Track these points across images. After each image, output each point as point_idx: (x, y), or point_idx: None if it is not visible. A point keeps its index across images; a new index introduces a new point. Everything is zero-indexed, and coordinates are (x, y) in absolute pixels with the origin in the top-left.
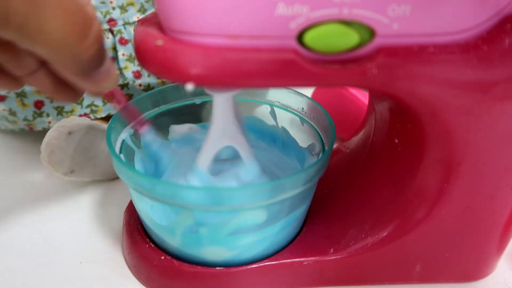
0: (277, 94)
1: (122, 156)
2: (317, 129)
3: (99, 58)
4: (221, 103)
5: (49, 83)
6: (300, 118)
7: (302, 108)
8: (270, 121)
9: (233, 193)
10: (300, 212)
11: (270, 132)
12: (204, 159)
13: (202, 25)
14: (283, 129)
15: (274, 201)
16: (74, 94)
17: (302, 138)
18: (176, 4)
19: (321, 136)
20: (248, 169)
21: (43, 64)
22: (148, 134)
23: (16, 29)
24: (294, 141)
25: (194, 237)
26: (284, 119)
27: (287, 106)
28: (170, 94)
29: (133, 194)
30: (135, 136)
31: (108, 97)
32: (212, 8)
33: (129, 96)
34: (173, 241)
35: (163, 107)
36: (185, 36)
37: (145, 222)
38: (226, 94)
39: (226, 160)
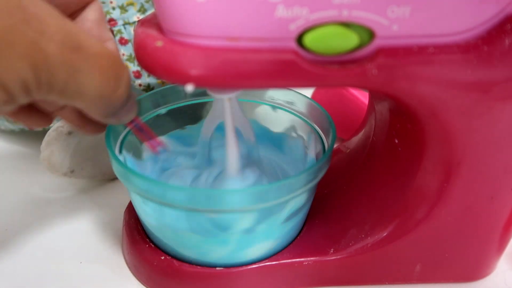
0: (276, 95)
1: (121, 157)
2: (317, 129)
3: (127, 99)
4: (223, 104)
5: (76, 119)
6: (300, 118)
7: (302, 108)
8: (270, 121)
9: (232, 195)
10: (300, 213)
11: (269, 133)
12: (206, 133)
13: (202, 27)
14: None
15: (274, 203)
16: (100, 128)
17: (301, 138)
18: (176, 6)
19: (321, 136)
20: (247, 175)
21: None
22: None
23: (58, 93)
24: (293, 141)
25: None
26: (284, 119)
27: (287, 106)
28: (170, 94)
29: (133, 196)
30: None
31: (128, 124)
32: (212, 11)
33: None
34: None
35: (163, 108)
36: (185, 37)
37: (145, 223)
38: (226, 95)
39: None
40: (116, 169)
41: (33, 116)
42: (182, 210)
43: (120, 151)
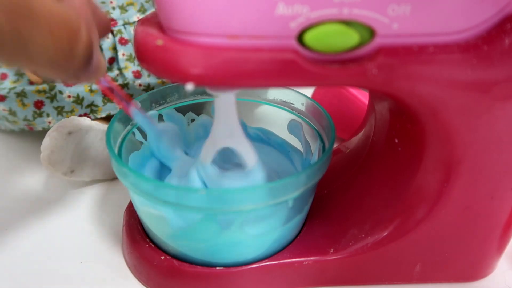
0: (277, 94)
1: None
2: (317, 129)
3: (89, 58)
4: (223, 103)
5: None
6: (300, 118)
7: (302, 108)
8: (269, 121)
9: (233, 194)
10: (301, 213)
11: (270, 136)
12: (206, 156)
13: (202, 25)
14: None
15: (275, 202)
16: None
17: (301, 138)
18: (176, 4)
19: (321, 136)
20: (253, 173)
21: None
22: (136, 115)
23: (5, 62)
24: (294, 143)
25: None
26: (284, 119)
27: (287, 106)
28: (170, 94)
29: (133, 196)
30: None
31: (97, 82)
32: (212, 8)
33: (129, 96)
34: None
35: (163, 107)
36: (185, 36)
37: (144, 222)
38: (227, 93)
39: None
40: (116, 168)
41: None
42: (182, 209)
43: (120, 151)
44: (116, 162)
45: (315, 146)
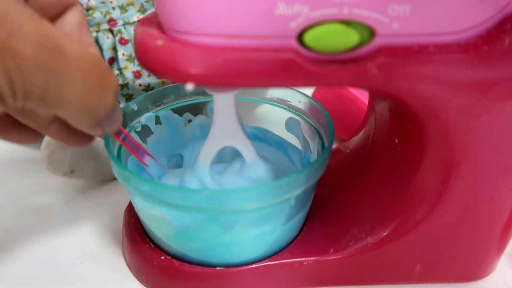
0: (276, 93)
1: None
2: (317, 128)
3: (113, 110)
4: (222, 103)
5: (62, 134)
6: (298, 116)
7: (300, 106)
8: (268, 120)
9: (232, 194)
10: (301, 212)
11: (267, 134)
12: (205, 158)
13: (202, 25)
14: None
15: (274, 202)
16: (87, 139)
17: (300, 136)
18: (176, 4)
19: (321, 135)
20: (253, 167)
21: (57, 117)
22: (152, 166)
23: (37, 101)
24: (292, 141)
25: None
26: (282, 118)
27: (287, 105)
28: (170, 94)
29: (132, 197)
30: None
31: (115, 135)
32: (212, 8)
33: (129, 96)
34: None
35: (163, 107)
36: (185, 36)
37: (145, 223)
38: (226, 93)
39: (231, 160)
40: (116, 171)
41: (22, 133)
42: (182, 210)
43: (119, 153)
44: (115, 164)
45: (313, 144)
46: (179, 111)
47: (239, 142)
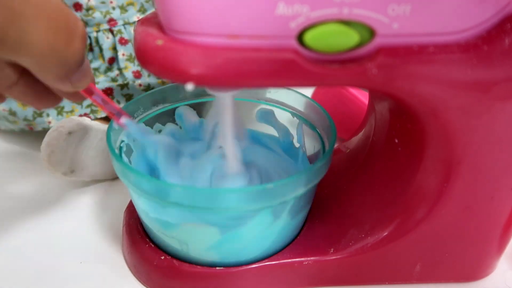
0: (277, 94)
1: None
2: (317, 129)
3: (82, 58)
4: (220, 104)
5: (30, 93)
6: (300, 118)
7: (302, 108)
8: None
9: (232, 194)
10: (301, 213)
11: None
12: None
13: (202, 25)
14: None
15: (275, 203)
16: (55, 99)
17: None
18: (176, 4)
19: (321, 136)
20: (232, 180)
21: (22, 74)
22: (129, 125)
23: None
24: (293, 142)
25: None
26: (284, 119)
27: (287, 106)
28: (170, 94)
29: (133, 195)
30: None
31: (87, 93)
32: (212, 8)
33: (129, 96)
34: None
35: (163, 107)
36: (186, 36)
37: (145, 222)
38: (226, 93)
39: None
40: (117, 168)
41: None
42: (182, 209)
43: (121, 150)
44: (116, 162)
45: (313, 144)
46: (150, 123)
47: (228, 146)
